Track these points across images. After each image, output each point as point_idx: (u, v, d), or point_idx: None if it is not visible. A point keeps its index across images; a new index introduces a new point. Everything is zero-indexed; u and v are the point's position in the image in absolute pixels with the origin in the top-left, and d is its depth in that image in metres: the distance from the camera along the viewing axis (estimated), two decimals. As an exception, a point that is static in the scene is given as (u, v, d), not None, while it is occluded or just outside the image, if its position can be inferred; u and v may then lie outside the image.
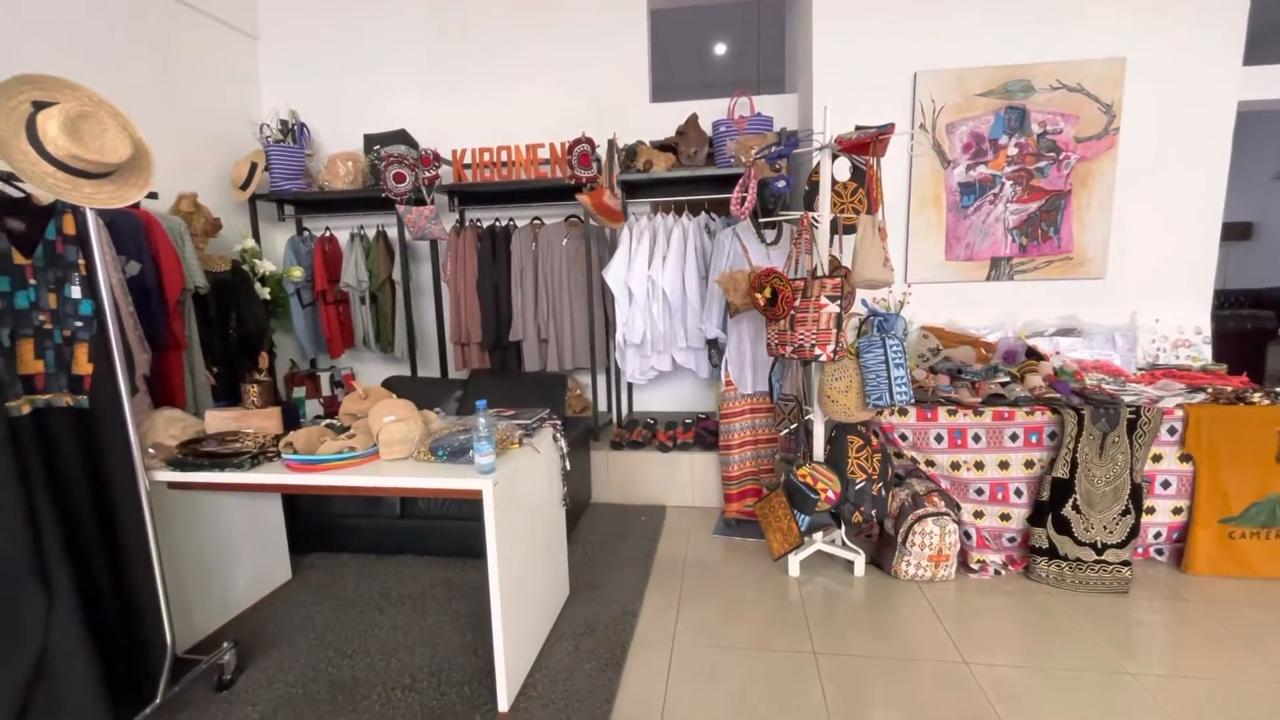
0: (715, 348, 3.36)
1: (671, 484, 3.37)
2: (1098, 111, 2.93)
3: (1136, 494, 2.35)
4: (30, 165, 1.39)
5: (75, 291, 1.63)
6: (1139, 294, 3.02)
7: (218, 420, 2.07)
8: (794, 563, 2.56)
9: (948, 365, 2.75)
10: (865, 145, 2.32)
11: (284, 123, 3.66)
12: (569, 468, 2.30)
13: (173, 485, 1.90)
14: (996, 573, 2.51)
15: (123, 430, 1.67)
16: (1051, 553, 2.41)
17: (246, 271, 3.16)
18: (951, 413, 2.52)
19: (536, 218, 3.65)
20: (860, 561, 2.54)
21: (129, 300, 2.30)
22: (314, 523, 2.83)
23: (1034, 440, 2.47)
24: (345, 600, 2.47)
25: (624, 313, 3.34)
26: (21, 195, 1.61)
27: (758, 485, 3.03)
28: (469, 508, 2.69)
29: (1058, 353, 2.90)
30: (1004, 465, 2.50)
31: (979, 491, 2.53)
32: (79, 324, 1.64)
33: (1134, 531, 2.36)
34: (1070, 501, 2.38)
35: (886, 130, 2.26)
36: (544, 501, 2.15)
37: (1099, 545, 2.37)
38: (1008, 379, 2.62)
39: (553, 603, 2.27)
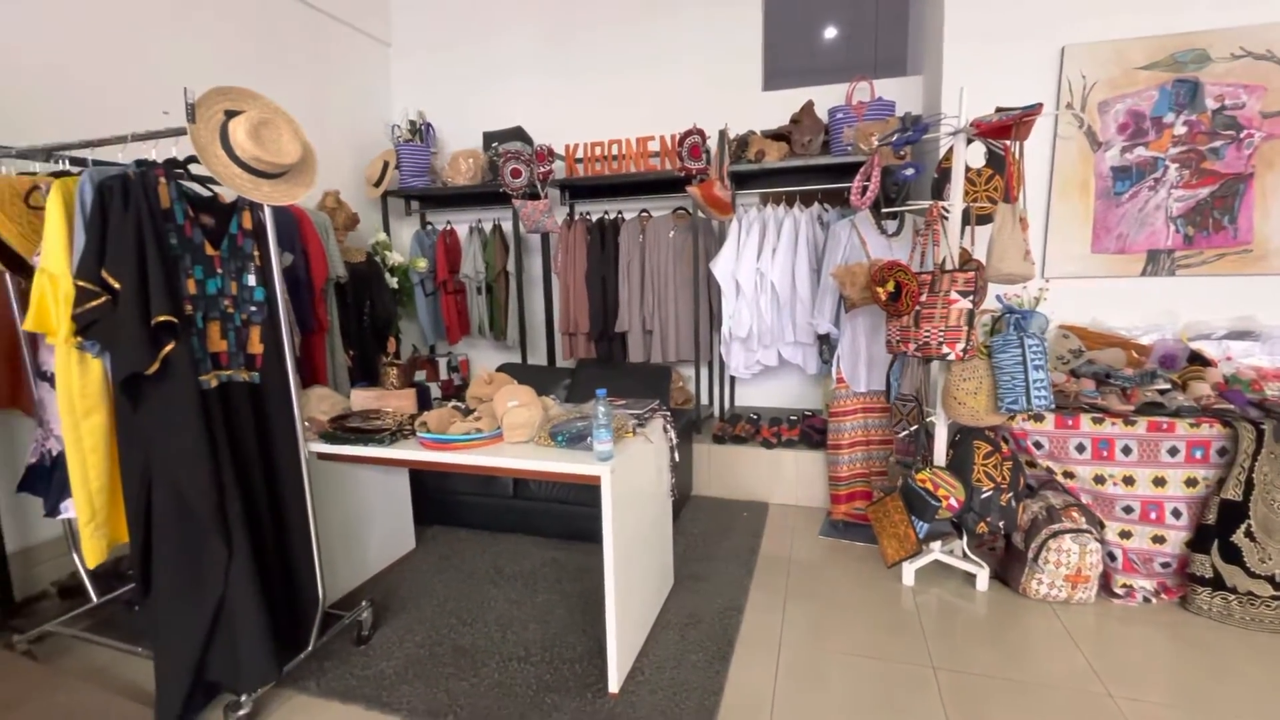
0: (826, 343, 3.25)
1: (775, 481, 3.31)
2: (1292, 81, 2.54)
3: (1330, 524, 2.04)
4: (223, 168, 1.58)
5: (251, 280, 1.84)
6: (1337, 293, 2.60)
7: (361, 399, 2.27)
8: (909, 571, 2.44)
9: (1093, 369, 2.50)
10: (1006, 129, 2.15)
11: (412, 123, 3.92)
12: (678, 459, 2.31)
13: (322, 456, 2.10)
14: (1146, 600, 2.26)
15: (288, 405, 1.86)
16: (1216, 583, 2.14)
17: (379, 262, 3.43)
18: (1097, 421, 2.29)
19: (644, 210, 3.68)
20: (983, 575, 2.37)
21: (284, 288, 2.55)
22: (435, 498, 3.03)
23: (1199, 456, 2.20)
24: (463, 572, 2.63)
25: (730, 306, 3.31)
26: (210, 195, 1.83)
27: (868, 488, 2.91)
28: (576, 492, 2.77)
29: (1229, 358, 2.55)
30: (1159, 482, 2.25)
31: (1127, 509, 2.29)
32: (253, 308, 1.84)
33: (1325, 567, 2.05)
34: (1243, 527, 2.10)
35: (1032, 111, 2.07)
36: (653, 491, 2.18)
37: (1278, 579, 2.08)
38: (1167, 386, 2.34)
39: (659, 591, 2.30)
